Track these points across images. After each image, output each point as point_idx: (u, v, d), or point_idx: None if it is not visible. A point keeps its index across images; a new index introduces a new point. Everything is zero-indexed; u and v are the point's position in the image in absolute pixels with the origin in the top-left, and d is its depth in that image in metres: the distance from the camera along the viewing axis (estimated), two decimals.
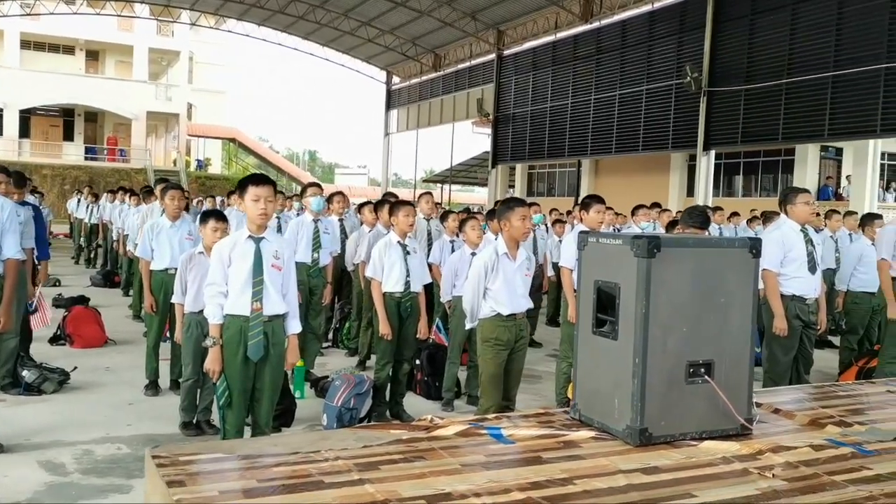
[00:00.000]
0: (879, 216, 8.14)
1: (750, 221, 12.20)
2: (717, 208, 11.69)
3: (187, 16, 31.76)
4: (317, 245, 6.36)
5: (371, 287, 5.40)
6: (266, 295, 3.67)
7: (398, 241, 5.32)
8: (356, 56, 32.64)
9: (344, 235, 8.42)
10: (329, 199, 9.30)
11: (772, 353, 5.28)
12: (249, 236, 3.71)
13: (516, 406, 4.62)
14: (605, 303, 2.89)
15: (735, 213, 13.44)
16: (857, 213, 9.77)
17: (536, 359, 7.96)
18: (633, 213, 9.62)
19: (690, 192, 19.89)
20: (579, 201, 6.02)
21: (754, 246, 2.90)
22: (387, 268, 5.27)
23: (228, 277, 3.67)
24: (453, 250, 6.78)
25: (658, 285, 2.72)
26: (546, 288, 9.42)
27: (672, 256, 2.75)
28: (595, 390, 2.96)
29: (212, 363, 3.66)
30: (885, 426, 3.07)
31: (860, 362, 6.99)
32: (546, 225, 11.97)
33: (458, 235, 6.91)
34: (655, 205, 11.78)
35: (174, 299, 5.20)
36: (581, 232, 3.25)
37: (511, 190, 29.92)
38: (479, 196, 45.65)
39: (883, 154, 18.34)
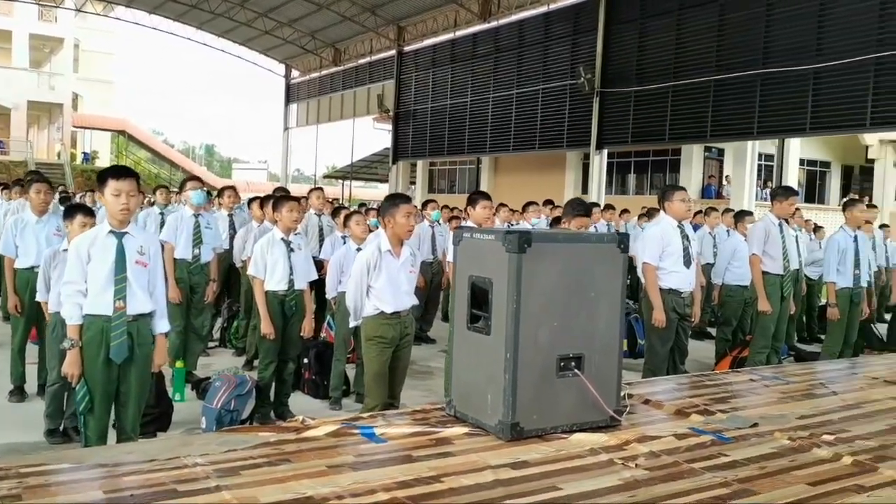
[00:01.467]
0: (750, 213, 8.58)
1: (639, 218, 12.62)
2: (607, 206, 12.05)
3: (72, 1, 30.06)
4: (198, 241, 6.11)
5: (253, 285, 5.24)
6: (130, 293, 3.47)
7: (282, 238, 5.18)
8: (253, 48, 31.79)
9: (233, 231, 8.15)
10: (219, 194, 9.00)
11: (650, 344, 5.46)
12: (111, 231, 3.50)
13: (407, 402, 4.58)
14: (479, 298, 2.89)
15: (626, 210, 13.89)
16: (733, 210, 10.27)
17: (430, 354, 7.96)
18: (523, 210, 9.79)
19: (585, 189, 20.42)
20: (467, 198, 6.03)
21: (622, 241, 2.96)
22: (269, 265, 5.11)
23: (88, 275, 3.45)
24: (344, 243, 6.67)
25: (529, 280, 2.73)
26: (445, 285, 9.44)
27: (543, 251, 2.76)
28: (470, 386, 2.95)
29: (70, 366, 3.44)
30: (744, 414, 3.21)
31: (734, 352, 7.34)
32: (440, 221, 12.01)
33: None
34: (548, 202, 12.02)
35: (38, 297, 4.88)
36: (456, 228, 3.24)
37: (412, 186, 29.93)
38: (381, 192, 45.37)
39: (760, 155, 19.40)
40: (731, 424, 3.02)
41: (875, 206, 14.86)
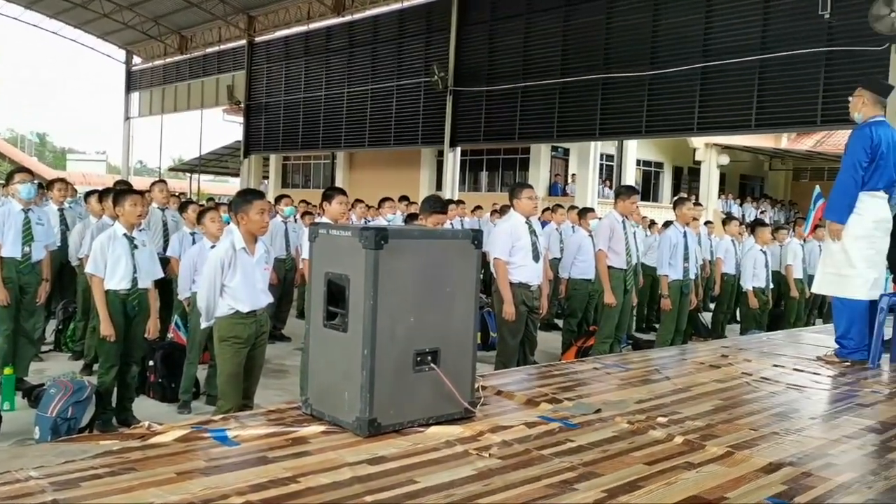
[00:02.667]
0: (592, 209, 9.06)
1: (492, 214, 12.99)
2: (459, 201, 12.31)
3: None
4: (28, 238, 5.63)
5: (92, 284, 4.91)
6: None
7: (124, 234, 4.89)
8: (90, 32, 29.72)
9: (65, 227, 7.60)
10: (48, 186, 8.35)
11: (501, 336, 5.65)
12: None
13: (261, 402, 4.46)
14: (336, 295, 2.87)
15: (478, 207, 14.25)
16: (578, 207, 10.80)
17: (284, 353, 7.81)
18: (379, 206, 9.82)
19: (439, 186, 20.73)
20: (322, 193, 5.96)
21: (476, 237, 3.04)
22: (110, 263, 4.81)
23: None
24: (194, 243, 6.39)
25: (386, 277, 2.74)
26: (299, 281, 9.27)
27: (399, 248, 2.79)
28: (326, 384, 2.93)
29: None
30: (588, 400, 3.40)
31: (579, 342, 7.75)
32: (296, 217, 11.80)
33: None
34: (404, 198, 12.13)
35: None
36: (312, 224, 3.20)
37: (265, 181, 29.14)
38: (232, 187, 43.83)
39: (602, 155, 20.50)
40: (576, 411, 3.18)
41: (701, 205, 16.11)
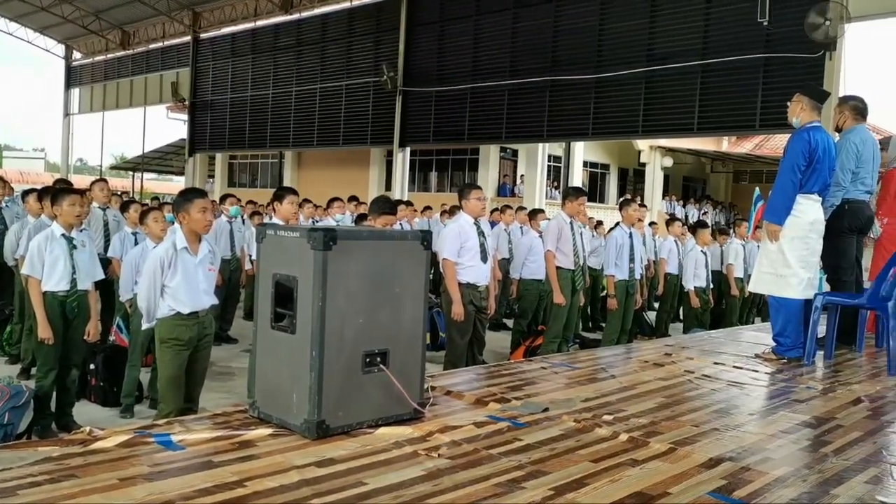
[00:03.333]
0: (542, 210, 9.17)
1: (442, 215, 13.03)
2: (408, 202, 12.29)
3: None
4: None
5: (29, 286, 4.75)
6: None
7: (62, 234, 4.75)
8: (28, 25, 28.76)
9: (2, 226, 7.34)
10: None
11: (450, 336, 5.67)
12: None
13: (207, 406, 4.39)
14: (284, 296, 2.85)
15: (428, 207, 14.27)
16: (526, 208, 10.92)
17: (231, 355, 7.69)
18: (328, 206, 9.75)
19: (389, 186, 20.71)
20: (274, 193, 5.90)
21: (425, 238, 3.05)
22: (48, 264, 4.67)
23: None
24: (136, 243, 6.24)
25: (335, 278, 2.73)
26: (245, 282, 9.14)
27: (348, 249, 2.78)
28: (274, 386, 2.90)
29: None
30: (536, 400, 3.44)
31: (527, 342, 7.82)
32: (243, 217, 11.64)
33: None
34: (353, 198, 12.06)
35: None
36: (259, 224, 3.17)
37: (211, 180, 28.65)
38: (176, 185, 42.92)
39: (549, 157, 20.75)
40: (525, 410, 3.22)
41: (646, 206, 16.43)
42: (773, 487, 2.45)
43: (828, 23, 11.00)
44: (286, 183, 24.33)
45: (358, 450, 2.63)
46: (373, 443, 2.71)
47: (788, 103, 4.91)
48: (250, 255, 8.22)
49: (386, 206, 5.36)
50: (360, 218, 6.40)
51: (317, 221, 10.52)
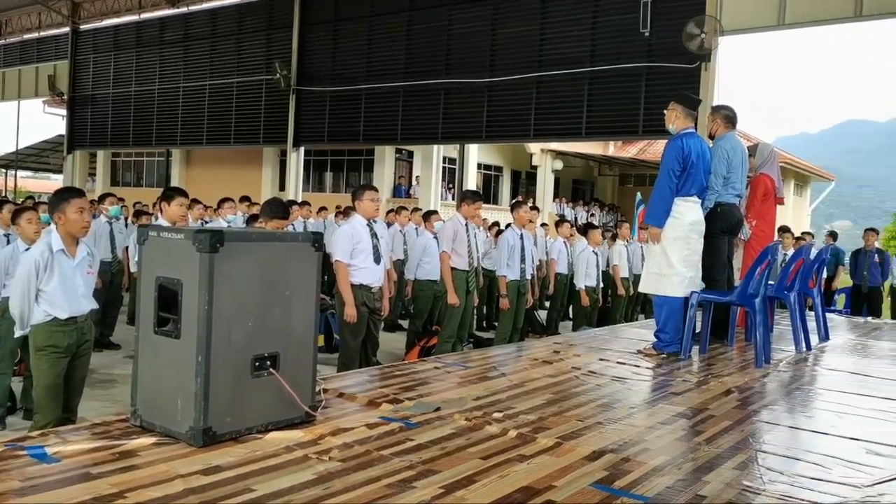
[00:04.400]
0: (436, 212, 9.27)
1: (336, 216, 12.90)
2: (303, 202, 12.13)
3: None
4: None
5: None
6: None
7: None
8: None
9: None
10: None
11: (343, 338, 5.64)
12: None
13: (87, 415, 4.18)
14: (168, 300, 2.76)
15: (323, 208, 14.11)
16: (422, 209, 10.99)
17: (113, 361, 7.36)
18: (218, 207, 9.48)
19: (283, 186, 20.32)
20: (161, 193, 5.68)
21: (316, 240, 3.03)
22: None
23: None
24: (8, 243, 5.86)
25: (222, 280, 2.67)
26: (128, 285, 8.74)
27: (236, 251, 2.72)
28: (158, 393, 2.81)
29: None
30: (429, 399, 3.48)
31: (421, 342, 7.88)
32: (128, 219, 11.15)
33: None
34: (245, 198, 11.78)
35: None
36: (141, 225, 3.06)
37: (91, 179, 27.24)
38: (54, 184, 40.55)
39: (444, 158, 20.94)
40: (417, 410, 3.25)
41: (538, 208, 16.85)
42: (650, 476, 2.58)
43: (703, 35, 11.65)
44: (174, 182, 23.47)
45: (246, 456, 2.58)
46: (262, 448, 2.67)
47: (665, 111, 5.18)
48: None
49: (278, 209, 5.27)
50: (252, 219, 6.27)
51: (206, 223, 10.21)
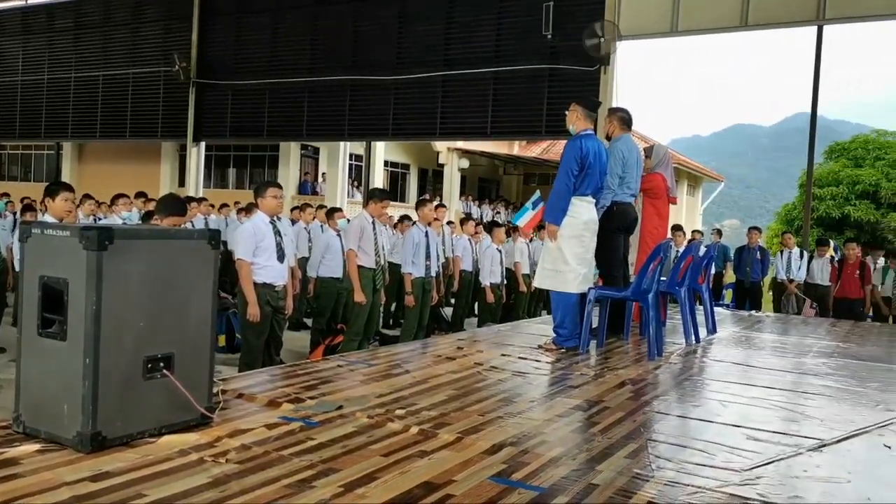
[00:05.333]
0: (340, 209, 9.20)
1: (238, 213, 12.60)
2: (201, 199, 11.79)
3: None
4: None
5: None
6: None
7: None
8: None
9: None
10: None
11: (245, 338, 5.53)
12: None
13: None
14: (53, 301, 2.63)
15: (225, 205, 13.76)
16: (326, 206, 10.87)
17: None
18: (112, 203, 9.10)
19: (182, 182, 19.66)
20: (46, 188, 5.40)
21: (213, 237, 2.96)
22: None
23: None
24: None
25: (111, 279, 2.57)
26: (13, 285, 8.26)
27: (127, 249, 2.63)
28: (42, 398, 2.68)
29: None
30: (331, 398, 3.46)
31: (326, 340, 7.81)
32: (16, 216, 10.56)
33: None
34: (141, 194, 11.33)
35: None
36: (24, 222, 2.90)
37: None
38: None
39: (351, 155, 20.80)
40: (318, 409, 3.22)
41: (445, 206, 16.98)
42: (547, 467, 2.66)
43: (602, 40, 12.02)
44: (65, 177, 22.35)
45: (138, 461, 2.50)
46: (155, 452, 2.58)
47: (566, 112, 5.33)
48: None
49: (174, 206, 5.10)
50: (147, 216, 6.05)
51: (99, 219, 9.79)
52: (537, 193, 11.25)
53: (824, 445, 3.13)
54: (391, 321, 10.86)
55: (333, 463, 2.57)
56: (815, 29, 11.47)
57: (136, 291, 2.67)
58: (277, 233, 5.51)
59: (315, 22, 15.91)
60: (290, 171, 21.20)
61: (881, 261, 11.12)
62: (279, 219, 5.71)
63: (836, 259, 11.05)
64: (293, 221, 10.63)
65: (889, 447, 3.17)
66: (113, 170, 22.46)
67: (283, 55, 16.33)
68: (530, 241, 11.01)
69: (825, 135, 27.32)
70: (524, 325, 7.03)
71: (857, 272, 10.31)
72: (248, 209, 10.60)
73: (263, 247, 5.41)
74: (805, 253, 11.42)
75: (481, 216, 23.47)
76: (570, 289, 5.18)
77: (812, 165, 12.89)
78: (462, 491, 2.38)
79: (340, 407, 3.28)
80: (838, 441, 3.21)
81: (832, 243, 12.38)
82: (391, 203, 8.87)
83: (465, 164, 26.51)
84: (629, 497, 2.40)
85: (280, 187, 5.72)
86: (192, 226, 8.77)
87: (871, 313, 10.54)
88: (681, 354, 5.44)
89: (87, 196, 10.18)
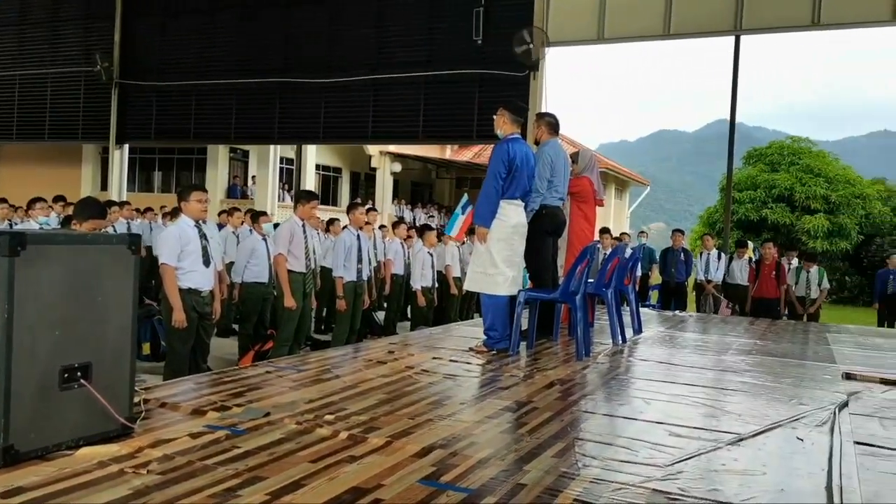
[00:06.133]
0: (265, 213, 9.07)
1: (164, 217, 12.26)
2: (123, 203, 11.44)
3: None
4: None
5: None
6: None
7: None
8: None
9: None
10: None
11: (171, 345, 5.40)
12: None
13: None
14: None
15: (149, 209, 13.37)
16: (256, 210, 10.68)
17: None
18: (29, 207, 8.74)
19: (105, 185, 19.02)
20: None
21: (133, 242, 2.88)
22: None
23: None
24: None
25: (24, 286, 2.47)
26: None
27: (41, 254, 2.53)
28: None
29: None
30: (258, 405, 3.40)
31: (256, 347, 7.69)
32: None
33: None
34: (59, 198, 10.93)
35: None
36: None
37: None
38: None
39: (282, 159, 20.53)
40: (245, 417, 3.17)
41: (377, 210, 16.93)
42: (476, 469, 2.68)
43: (531, 46, 12.21)
44: None
45: (54, 474, 2.40)
46: (72, 465, 2.49)
47: (494, 116, 5.40)
48: None
49: (93, 209, 4.93)
50: (66, 221, 5.83)
51: (15, 224, 9.37)
52: (465, 197, 11.35)
53: (741, 440, 3.24)
54: (323, 326, 10.75)
55: (260, 471, 2.53)
56: (733, 39, 11.92)
57: (51, 299, 2.57)
58: (203, 237, 5.39)
59: (244, 22, 15.65)
60: (218, 174, 20.78)
61: (795, 261, 11.62)
62: (205, 222, 5.59)
63: (755, 260, 11.50)
64: (220, 226, 10.42)
65: (801, 439, 3.32)
66: (31, 173, 21.57)
67: (211, 56, 16.00)
68: (461, 244, 11.07)
69: (744, 141, 28.43)
70: (455, 328, 7.06)
71: (773, 273, 10.75)
72: (174, 213, 10.33)
73: (188, 251, 5.28)
74: (724, 254, 11.85)
75: (414, 220, 23.50)
76: (499, 291, 5.23)
77: (731, 170, 13.38)
78: (391, 495, 2.37)
79: (268, 414, 3.23)
80: (754, 435, 3.33)
81: (751, 245, 12.88)
82: (323, 207, 8.80)
83: (398, 167, 26.50)
84: (555, 495, 2.44)
85: (205, 191, 5.60)
86: (115, 230, 8.49)
87: (786, 312, 11.00)
88: (608, 354, 5.56)
89: (1, 200, 9.74)
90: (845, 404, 4.04)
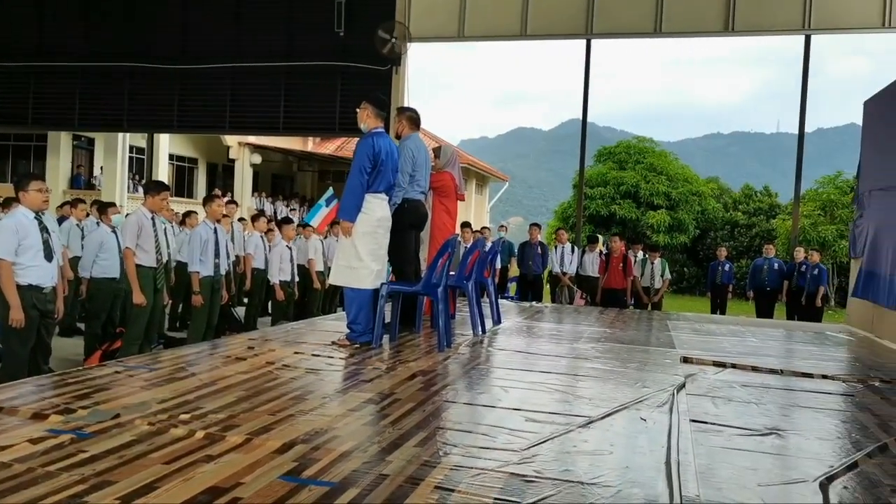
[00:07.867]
0: (113, 204, 8.57)
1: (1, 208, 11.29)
2: None
3: None
4: None
5: None
6: None
7: None
8: None
9: None
10: None
11: (8, 346, 5.00)
12: None
13: None
14: None
15: None
16: (103, 201, 10.07)
17: None
18: None
19: None
20: None
21: None
22: None
23: None
24: None
25: None
26: None
27: None
28: None
29: None
30: (106, 406, 3.23)
31: (104, 346, 7.25)
32: None
33: None
34: None
35: None
36: None
37: None
38: None
39: (132, 148, 19.43)
40: (92, 419, 3.00)
41: (236, 203, 16.43)
42: (338, 462, 2.68)
43: (394, 41, 12.25)
44: None
45: None
46: None
47: (357, 110, 5.38)
48: None
49: None
50: None
51: None
52: (330, 190, 11.26)
53: (592, 422, 3.44)
54: (178, 323, 10.31)
55: (108, 475, 2.41)
56: (584, 42, 12.51)
57: None
58: (44, 229, 5.03)
59: (89, 4, 14.64)
60: (60, 162, 19.38)
61: (640, 254, 12.39)
62: (44, 214, 5.21)
63: (605, 253, 12.14)
64: (62, 218, 9.75)
65: (644, 420, 3.56)
66: None
67: (52, 36, 14.85)
68: (324, 237, 10.96)
69: (595, 140, 29.96)
70: (318, 323, 6.99)
71: (621, 265, 11.41)
72: (7, 203, 9.54)
73: (27, 245, 4.91)
74: (577, 248, 12.43)
75: (275, 213, 22.99)
76: (364, 285, 5.24)
77: (584, 168, 14.03)
78: (250, 493, 2.33)
79: (117, 415, 3.07)
80: (603, 417, 3.54)
81: (601, 239, 13.59)
82: (178, 199, 8.39)
83: (258, 159, 25.81)
84: (417, 484, 2.49)
85: (43, 180, 5.22)
86: None
87: (632, 301, 11.71)
88: (468, 345, 5.70)
89: None
90: (683, 386, 4.38)
